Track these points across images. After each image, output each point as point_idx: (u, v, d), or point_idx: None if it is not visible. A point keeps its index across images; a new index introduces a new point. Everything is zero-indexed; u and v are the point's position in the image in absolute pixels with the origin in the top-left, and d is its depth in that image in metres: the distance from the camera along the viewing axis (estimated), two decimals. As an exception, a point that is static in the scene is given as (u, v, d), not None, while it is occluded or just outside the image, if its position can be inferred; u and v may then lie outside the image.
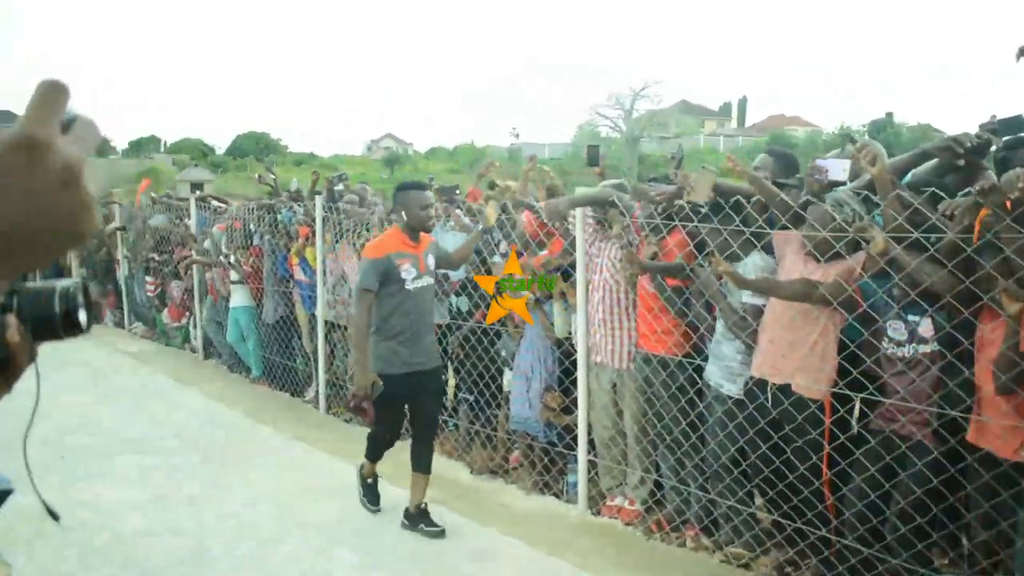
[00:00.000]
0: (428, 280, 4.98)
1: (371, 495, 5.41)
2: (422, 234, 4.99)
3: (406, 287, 4.82)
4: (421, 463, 5.14)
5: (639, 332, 5.06)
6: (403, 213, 4.91)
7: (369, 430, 5.35)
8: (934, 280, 3.70)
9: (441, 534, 4.97)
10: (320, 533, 5.02)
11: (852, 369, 4.05)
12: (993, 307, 3.57)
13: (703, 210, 4.58)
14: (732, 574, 4.48)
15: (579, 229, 5.32)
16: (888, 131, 44.16)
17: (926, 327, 3.81)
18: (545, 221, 5.67)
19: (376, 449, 5.31)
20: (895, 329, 3.91)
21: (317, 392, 8.07)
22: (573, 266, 5.42)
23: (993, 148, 4.07)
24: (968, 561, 3.95)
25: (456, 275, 6.43)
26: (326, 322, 7.83)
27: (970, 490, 3.72)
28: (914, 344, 3.84)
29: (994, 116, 4.05)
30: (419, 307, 4.93)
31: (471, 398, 6.31)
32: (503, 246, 6.06)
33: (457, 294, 6.41)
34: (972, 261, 3.67)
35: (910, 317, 3.87)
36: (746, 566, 4.51)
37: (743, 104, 76.81)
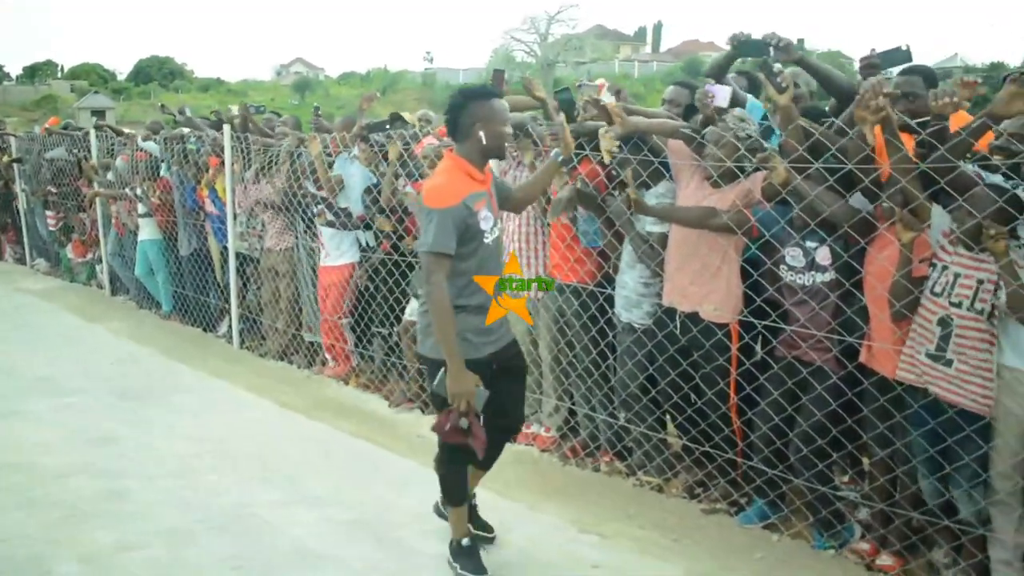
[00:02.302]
0: (499, 226, 3.77)
1: (474, 563, 3.81)
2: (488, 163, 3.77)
3: (485, 240, 3.54)
4: (489, 460, 4.01)
5: (552, 262, 5.09)
6: (480, 132, 3.50)
7: (449, 453, 3.78)
8: (833, 209, 3.81)
9: (491, 540, 4.11)
10: (241, 467, 5.02)
11: (756, 297, 4.17)
12: (888, 236, 3.70)
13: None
14: (645, 497, 4.63)
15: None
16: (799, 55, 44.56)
17: (824, 255, 3.94)
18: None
19: (462, 482, 3.87)
20: (793, 256, 4.03)
21: (230, 327, 7.96)
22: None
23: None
24: (868, 478, 4.16)
25: (358, 208, 6.37)
26: (238, 255, 7.70)
27: (867, 412, 3.89)
28: (812, 272, 3.97)
29: (873, 49, 4.14)
30: (499, 266, 3.71)
31: (385, 331, 6.31)
32: (403, 181, 6.02)
33: (367, 227, 6.35)
34: (869, 191, 3.79)
35: (808, 244, 3.99)
36: (658, 489, 4.67)
37: (658, 29, 76.75)
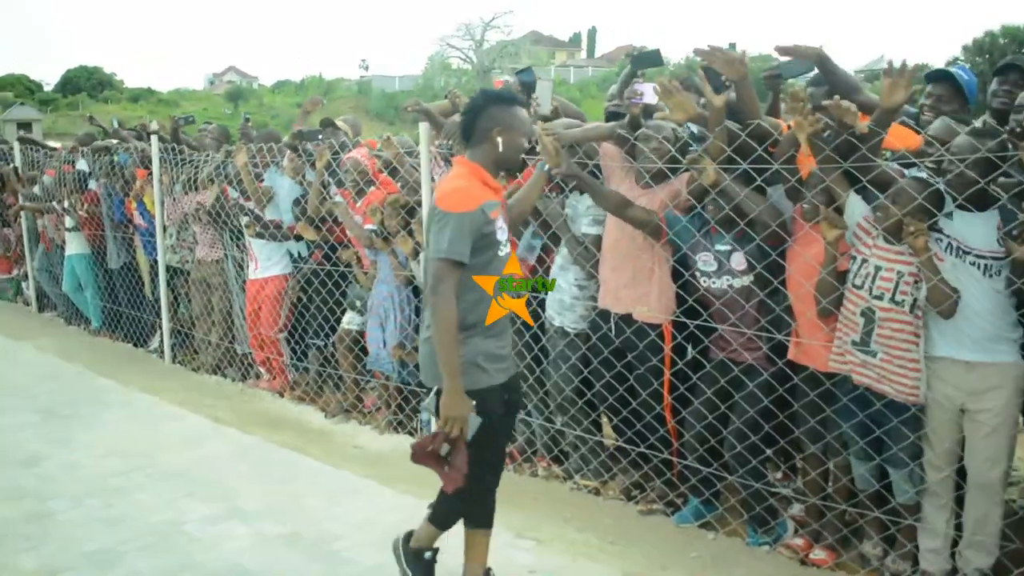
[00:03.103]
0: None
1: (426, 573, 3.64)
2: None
3: (499, 252, 3.24)
4: (491, 515, 3.59)
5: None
6: (498, 139, 3.22)
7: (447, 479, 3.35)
8: (759, 210, 3.86)
9: None
10: (171, 484, 4.90)
11: (688, 297, 4.20)
12: (812, 234, 3.75)
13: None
14: (582, 500, 4.62)
15: (424, 164, 5.26)
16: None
17: (738, 260, 3.98)
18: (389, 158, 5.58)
19: (483, 504, 3.50)
20: (705, 261, 4.08)
21: (161, 341, 7.79)
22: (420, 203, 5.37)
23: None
24: (801, 474, 4.20)
25: (289, 219, 6.29)
26: (169, 267, 7.54)
27: (798, 407, 3.94)
28: (726, 276, 4.01)
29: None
30: None
31: (320, 342, 6.22)
32: (332, 190, 5.96)
33: (298, 238, 6.27)
34: (794, 190, 3.85)
35: (717, 248, 4.03)
36: (595, 492, 4.67)
37: (593, 34, 77.41)
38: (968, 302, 3.36)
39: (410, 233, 5.44)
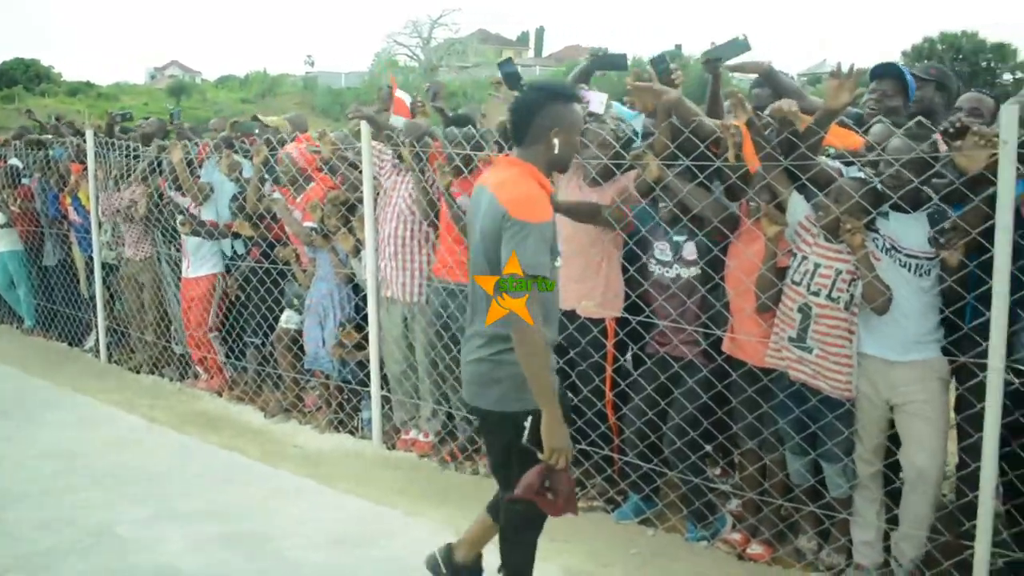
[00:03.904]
0: None
1: None
2: None
3: (556, 264, 3.03)
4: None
5: (439, 260, 5.03)
6: (555, 140, 2.96)
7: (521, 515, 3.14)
8: (703, 205, 3.89)
9: None
10: (106, 485, 4.79)
11: (631, 293, 4.22)
12: (754, 231, 3.80)
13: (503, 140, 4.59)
14: (523, 497, 4.61)
15: (366, 162, 5.21)
16: (678, 63, 45.78)
17: (690, 250, 4.01)
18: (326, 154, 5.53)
19: (533, 554, 3.24)
20: (661, 250, 4.10)
21: (97, 340, 7.62)
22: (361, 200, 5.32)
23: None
24: (738, 469, 4.24)
25: (225, 216, 6.20)
26: (106, 264, 7.38)
27: (736, 403, 3.98)
28: (678, 266, 4.04)
29: (713, 42, 4.27)
30: (558, 297, 3.24)
31: (257, 341, 6.14)
32: (269, 186, 5.89)
33: (236, 236, 6.18)
34: (737, 187, 3.89)
35: (675, 238, 4.06)
36: (536, 488, 4.65)
37: (540, 34, 77.46)
38: (898, 301, 3.43)
39: (350, 230, 5.39)
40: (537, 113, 2.96)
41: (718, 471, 4.60)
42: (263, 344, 6.10)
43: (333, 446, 5.44)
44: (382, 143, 5.20)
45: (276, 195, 5.77)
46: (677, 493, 4.20)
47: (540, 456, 2.86)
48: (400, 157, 5.05)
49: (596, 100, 4.38)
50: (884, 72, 4.08)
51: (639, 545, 4.03)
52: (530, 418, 2.90)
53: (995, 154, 3.18)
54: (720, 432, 4.15)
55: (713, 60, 4.14)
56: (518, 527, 3.18)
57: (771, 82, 4.20)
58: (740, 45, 4.08)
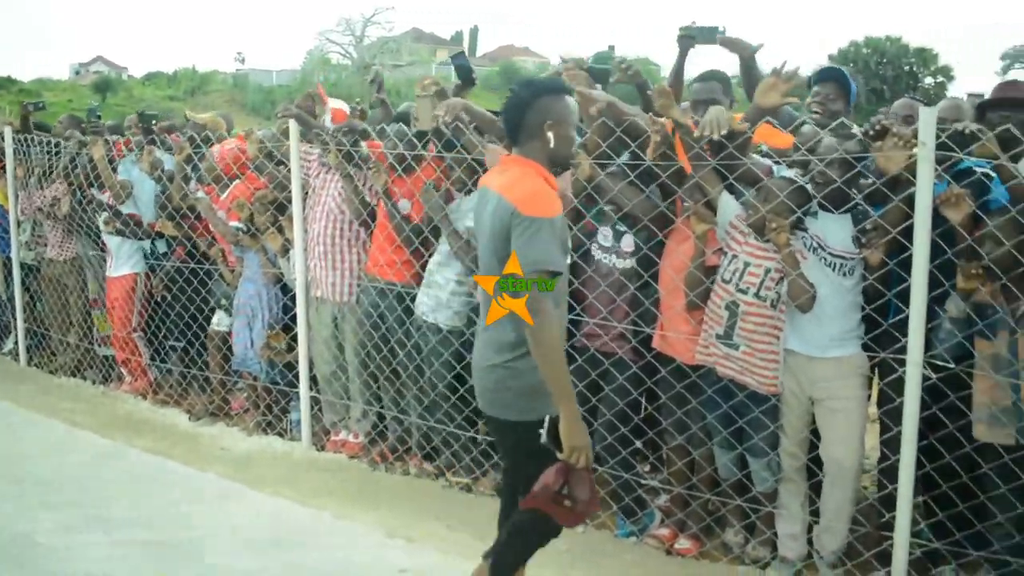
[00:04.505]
0: None
1: None
2: None
3: (567, 261, 3.04)
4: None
5: (372, 259, 4.99)
6: (550, 133, 2.94)
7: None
8: (634, 204, 3.93)
9: None
10: (25, 492, 4.64)
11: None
12: (685, 230, 3.85)
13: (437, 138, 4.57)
14: (454, 497, 4.61)
15: (294, 161, 5.14)
16: (609, 64, 46.20)
17: (628, 243, 4.04)
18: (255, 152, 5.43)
19: (527, 557, 3.18)
20: (604, 236, 4.12)
21: (16, 343, 7.38)
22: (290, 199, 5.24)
23: None
24: (667, 464, 4.28)
25: (150, 214, 6.07)
26: (24, 265, 7.15)
27: (665, 399, 4.01)
28: (615, 256, 4.06)
29: (694, 21, 4.29)
30: (565, 294, 3.24)
31: (182, 343, 6.01)
32: (193, 184, 5.78)
33: (159, 235, 6.05)
34: (668, 185, 3.93)
35: (618, 227, 4.08)
36: (467, 488, 4.65)
37: (474, 33, 77.28)
38: (822, 298, 3.50)
39: (279, 230, 5.31)
40: (527, 110, 2.94)
41: (647, 467, 4.63)
42: (189, 346, 5.97)
43: (261, 448, 5.36)
44: (310, 143, 5.12)
45: (200, 194, 5.66)
46: (607, 489, 4.22)
47: (559, 456, 2.80)
48: (328, 153, 4.97)
49: None
50: (827, 76, 4.19)
51: (569, 542, 4.02)
52: (549, 416, 2.83)
53: (914, 155, 3.26)
54: (650, 427, 4.18)
55: (686, 37, 4.21)
56: (527, 531, 3.06)
57: (746, 69, 4.23)
58: (715, 34, 4.19)
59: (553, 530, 3.03)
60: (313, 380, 5.33)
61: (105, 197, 6.15)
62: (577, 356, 4.24)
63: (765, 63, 3.77)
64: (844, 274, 3.52)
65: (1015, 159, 3.21)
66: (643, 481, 4.23)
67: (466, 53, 5.13)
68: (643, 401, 4.09)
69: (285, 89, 42.73)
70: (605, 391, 4.12)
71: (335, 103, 5.60)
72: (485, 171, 4.46)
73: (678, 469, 4.08)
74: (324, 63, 50.95)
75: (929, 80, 41.52)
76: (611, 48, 54.40)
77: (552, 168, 2.98)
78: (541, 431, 2.82)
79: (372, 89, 5.37)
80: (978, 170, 3.34)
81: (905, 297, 3.36)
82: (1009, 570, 3.32)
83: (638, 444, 4.22)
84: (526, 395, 2.90)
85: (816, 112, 4.07)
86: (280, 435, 5.49)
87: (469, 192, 4.58)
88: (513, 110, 2.98)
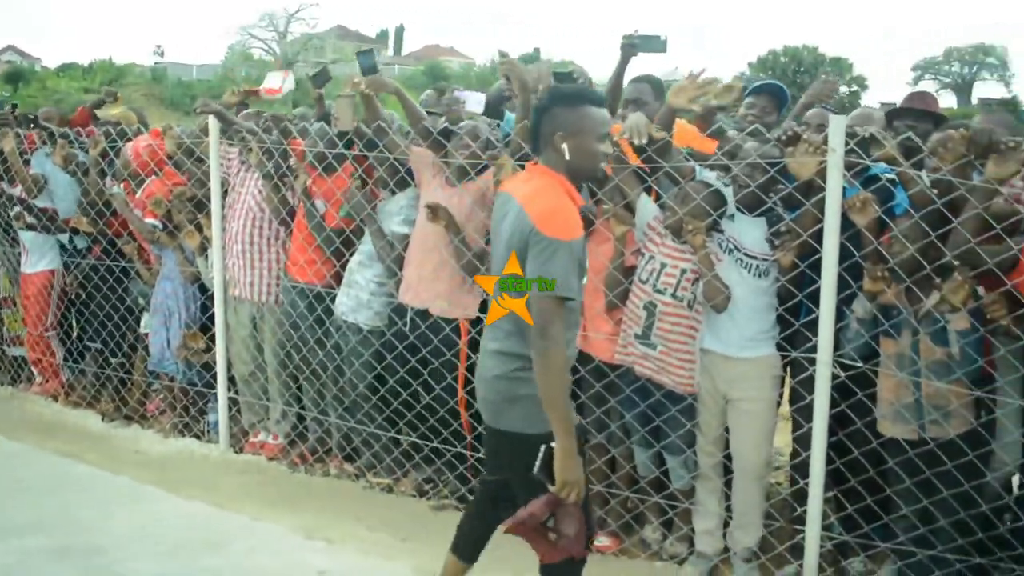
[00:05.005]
0: None
1: None
2: None
3: (583, 281, 2.88)
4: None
5: (290, 260, 4.93)
6: (563, 145, 2.76)
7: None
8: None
9: None
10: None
11: (483, 292, 4.24)
12: (605, 231, 3.90)
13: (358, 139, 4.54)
14: (375, 498, 4.58)
15: (213, 158, 5.05)
16: (569, 69, 46.46)
17: None
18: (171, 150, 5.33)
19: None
20: None
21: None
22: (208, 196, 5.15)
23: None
24: (586, 460, 4.32)
25: (67, 209, 5.90)
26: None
27: (584, 398, 4.06)
28: None
29: (636, 30, 4.34)
30: (580, 313, 3.10)
31: (97, 344, 5.85)
32: (109, 180, 5.64)
33: (74, 231, 5.89)
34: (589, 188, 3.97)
35: None
36: (388, 489, 4.63)
37: (400, 32, 76.96)
38: (736, 299, 3.58)
39: (198, 228, 5.21)
40: (541, 118, 2.82)
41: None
42: (104, 346, 5.82)
43: (178, 451, 5.25)
44: (228, 141, 5.04)
45: (115, 190, 5.52)
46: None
47: (551, 488, 2.71)
48: (249, 150, 4.90)
49: (473, 100, 4.52)
50: (762, 89, 4.37)
51: (492, 541, 4.03)
52: (545, 446, 2.73)
53: (824, 161, 3.36)
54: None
55: (629, 46, 4.24)
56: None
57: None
58: (658, 44, 4.21)
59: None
60: (231, 381, 5.24)
61: (17, 191, 5.96)
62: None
63: (685, 70, 3.85)
64: (758, 275, 3.61)
65: (918, 167, 3.34)
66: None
67: (375, 51, 5.04)
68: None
69: (206, 84, 41.93)
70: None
71: (274, 78, 5.50)
72: (408, 171, 4.48)
73: (598, 467, 4.12)
74: (246, 58, 50.13)
75: (844, 89, 42.82)
76: (536, 50, 54.89)
77: (575, 182, 2.83)
78: (541, 450, 2.72)
79: (316, 83, 5.24)
80: (884, 177, 3.46)
81: (816, 298, 3.46)
82: (913, 560, 3.44)
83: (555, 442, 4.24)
84: (534, 406, 2.73)
85: (750, 122, 4.17)
86: (197, 437, 5.39)
87: (392, 192, 4.56)
88: (533, 117, 2.89)
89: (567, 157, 2.75)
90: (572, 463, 2.69)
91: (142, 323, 5.70)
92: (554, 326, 2.63)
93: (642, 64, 4.53)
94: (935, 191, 3.21)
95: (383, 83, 4.43)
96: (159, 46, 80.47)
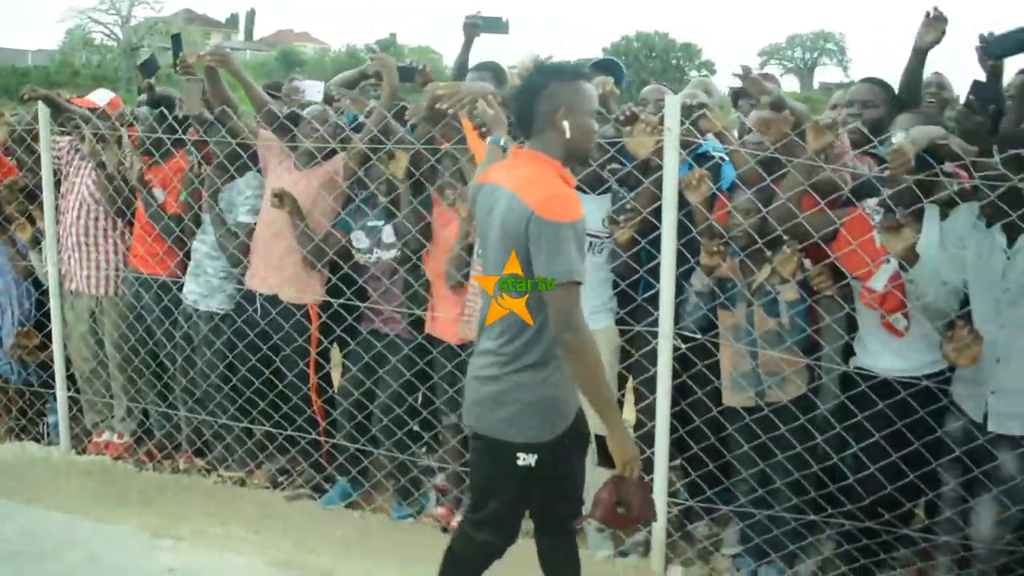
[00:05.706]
0: None
1: None
2: None
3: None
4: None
5: (132, 251, 4.76)
6: (564, 123, 2.65)
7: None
8: (397, 193, 4.01)
9: None
10: None
11: (331, 276, 4.21)
12: (449, 214, 3.92)
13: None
14: (227, 492, 4.47)
15: (44, 147, 4.80)
16: (391, 51, 46.12)
17: (388, 233, 4.08)
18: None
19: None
20: (358, 239, 4.14)
21: None
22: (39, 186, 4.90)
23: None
24: (440, 444, 4.35)
25: None
26: None
27: (436, 379, 4.08)
28: (378, 250, 4.09)
29: (479, 12, 4.40)
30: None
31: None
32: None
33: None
34: (432, 169, 3.99)
35: (370, 224, 4.10)
36: (241, 482, 4.54)
37: (251, 17, 74.75)
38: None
39: (30, 220, 4.96)
40: (537, 97, 2.67)
41: (424, 449, 4.69)
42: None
43: (15, 455, 4.99)
44: (63, 127, 4.81)
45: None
46: (384, 472, 4.25)
47: (613, 472, 2.76)
48: (82, 138, 4.68)
49: (312, 88, 4.54)
50: (600, 66, 4.43)
51: (345, 528, 4.04)
52: (534, 456, 2.68)
53: (661, 140, 3.47)
54: (425, 407, 4.25)
55: (472, 26, 4.37)
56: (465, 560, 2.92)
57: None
58: (500, 25, 4.37)
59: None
60: (71, 379, 5.01)
61: None
62: (350, 340, 4.25)
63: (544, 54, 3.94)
64: (595, 252, 3.70)
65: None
66: (419, 461, 4.28)
67: (181, 37, 4.96)
68: (416, 382, 4.16)
69: (43, 71, 39.68)
70: (379, 373, 4.15)
71: (101, 95, 5.26)
72: (251, 156, 4.38)
73: (452, 447, 4.15)
74: (86, 43, 47.74)
75: (694, 74, 44.34)
76: (393, 36, 54.45)
77: (569, 163, 2.73)
78: (519, 459, 2.69)
79: (143, 73, 5.06)
80: (715, 154, 3.60)
81: (656, 273, 3.57)
82: (753, 520, 3.62)
83: (413, 424, 4.27)
84: (524, 413, 2.67)
85: None
86: (36, 440, 5.15)
87: (232, 178, 4.44)
88: (522, 99, 2.73)
89: (567, 136, 2.65)
90: (628, 443, 2.71)
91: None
92: (576, 315, 2.56)
93: (506, 48, 4.64)
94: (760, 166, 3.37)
95: (227, 57, 4.27)
96: (-13, 33, 75.53)
